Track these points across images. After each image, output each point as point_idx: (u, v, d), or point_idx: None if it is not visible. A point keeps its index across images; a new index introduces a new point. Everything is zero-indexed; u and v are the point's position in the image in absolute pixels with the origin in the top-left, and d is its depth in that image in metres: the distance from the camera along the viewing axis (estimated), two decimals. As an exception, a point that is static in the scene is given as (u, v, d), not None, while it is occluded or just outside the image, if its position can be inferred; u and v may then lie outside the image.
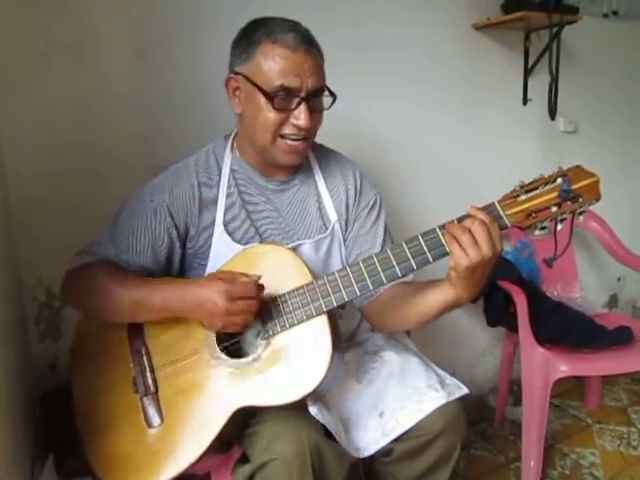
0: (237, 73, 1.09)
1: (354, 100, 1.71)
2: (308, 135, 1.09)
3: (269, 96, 1.03)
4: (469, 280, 0.94)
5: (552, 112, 1.97)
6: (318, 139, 1.26)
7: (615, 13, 2.22)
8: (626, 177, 2.39)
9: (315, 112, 1.08)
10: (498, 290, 1.79)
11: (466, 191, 1.95)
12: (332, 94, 1.10)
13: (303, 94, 1.04)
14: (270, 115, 1.05)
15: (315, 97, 1.07)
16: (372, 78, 1.75)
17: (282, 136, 1.07)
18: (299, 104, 1.05)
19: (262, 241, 1.14)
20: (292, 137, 1.07)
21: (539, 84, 2.00)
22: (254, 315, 0.99)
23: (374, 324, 1.23)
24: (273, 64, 1.03)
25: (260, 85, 1.04)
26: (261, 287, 1.00)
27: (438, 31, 1.87)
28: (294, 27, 1.05)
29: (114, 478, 1.01)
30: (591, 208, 0.96)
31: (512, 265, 1.85)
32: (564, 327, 1.73)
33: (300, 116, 1.05)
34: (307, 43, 1.05)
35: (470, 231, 0.91)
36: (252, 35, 1.06)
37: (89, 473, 1.04)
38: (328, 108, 1.11)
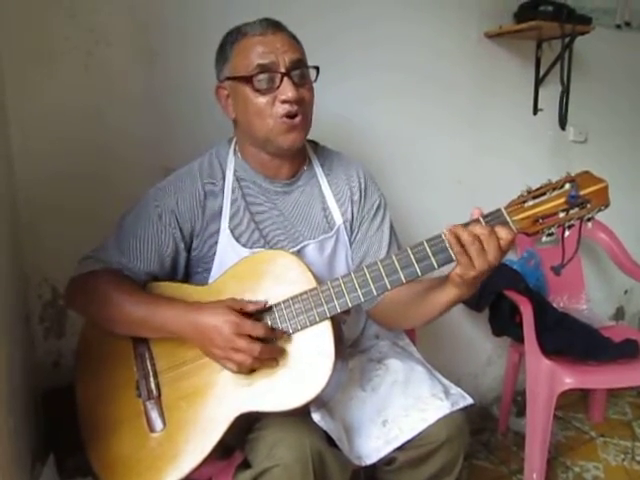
0: (223, 80, 1.13)
1: (363, 99, 1.72)
2: (301, 110, 1.08)
3: (249, 79, 1.06)
4: (473, 283, 0.94)
5: (562, 122, 1.96)
6: (324, 138, 1.26)
7: (628, 24, 2.21)
8: (635, 188, 2.36)
9: (301, 86, 1.08)
10: (504, 300, 1.79)
11: (473, 197, 1.94)
12: (314, 67, 1.11)
13: (282, 69, 1.06)
14: (258, 100, 1.07)
15: (296, 70, 1.08)
16: (381, 76, 1.75)
17: (278, 117, 1.07)
18: (282, 80, 1.06)
19: (267, 244, 1.14)
20: (286, 115, 1.07)
21: (550, 94, 1.99)
22: (253, 361, 0.95)
23: (378, 323, 1.24)
24: (247, 52, 1.07)
25: (241, 75, 1.07)
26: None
27: (450, 36, 1.86)
28: (259, 19, 1.10)
29: None
30: (599, 219, 0.94)
31: (519, 275, 1.83)
32: (570, 338, 1.72)
33: (285, 89, 1.05)
34: (274, 26, 1.09)
35: (479, 241, 0.89)
36: (226, 41, 1.12)
37: (90, 473, 1.04)
38: (315, 80, 1.12)
